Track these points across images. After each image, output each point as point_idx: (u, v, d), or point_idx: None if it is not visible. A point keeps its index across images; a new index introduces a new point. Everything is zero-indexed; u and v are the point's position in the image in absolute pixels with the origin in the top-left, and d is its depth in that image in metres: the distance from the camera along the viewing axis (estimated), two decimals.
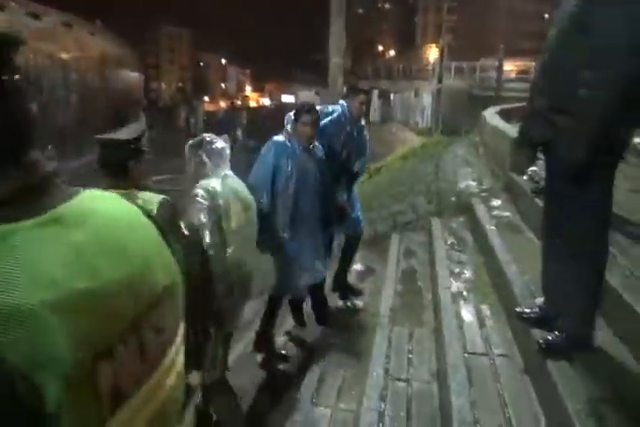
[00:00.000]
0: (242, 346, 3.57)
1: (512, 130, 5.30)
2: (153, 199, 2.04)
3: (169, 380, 0.58)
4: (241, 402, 2.83)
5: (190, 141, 2.48)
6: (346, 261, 3.79)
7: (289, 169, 2.92)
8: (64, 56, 20.19)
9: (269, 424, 2.67)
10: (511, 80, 19.61)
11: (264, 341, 3.22)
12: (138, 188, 2.09)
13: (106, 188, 2.07)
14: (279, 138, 3.00)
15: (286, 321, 3.59)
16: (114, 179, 2.09)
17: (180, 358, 0.60)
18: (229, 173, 2.51)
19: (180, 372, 0.60)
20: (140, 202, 2.09)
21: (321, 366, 2.97)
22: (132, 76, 28.80)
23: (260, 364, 3.18)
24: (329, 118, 3.38)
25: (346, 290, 3.77)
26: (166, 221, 1.97)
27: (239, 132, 23.60)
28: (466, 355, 2.43)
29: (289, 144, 2.95)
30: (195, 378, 1.74)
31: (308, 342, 3.35)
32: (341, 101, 3.55)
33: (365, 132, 3.69)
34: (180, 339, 0.60)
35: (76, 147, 18.62)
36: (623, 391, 1.82)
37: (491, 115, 7.34)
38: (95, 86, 22.68)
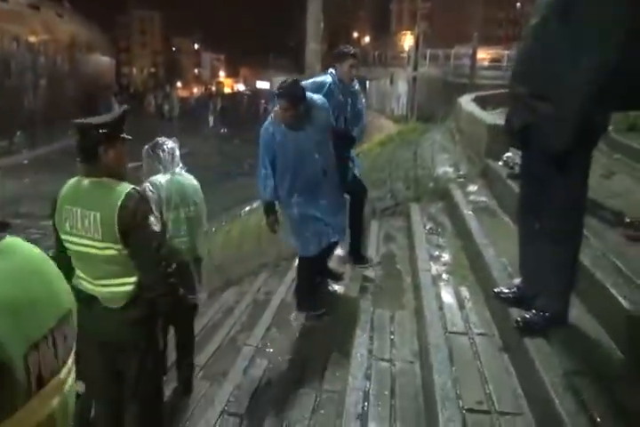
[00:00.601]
0: (223, 333, 3.60)
1: (488, 117, 5.39)
2: (121, 189, 2.03)
3: (69, 380, 0.71)
4: (227, 386, 2.86)
5: (146, 145, 2.93)
6: (355, 220, 3.74)
7: (279, 149, 3.08)
8: (32, 39, 19.52)
9: (255, 406, 2.71)
10: (484, 68, 19.82)
11: (306, 300, 3.36)
12: (111, 175, 2.08)
13: (82, 174, 2.05)
14: (267, 121, 3.16)
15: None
16: (87, 165, 2.07)
17: (73, 369, 0.72)
18: (179, 170, 2.94)
19: (73, 380, 0.72)
20: (106, 191, 2.09)
21: (305, 349, 3.02)
22: (103, 61, 28.08)
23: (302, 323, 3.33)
24: (317, 96, 3.22)
25: (359, 255, 3.84)
26: (130, 212, 1.98)
27: (211, 119, 23.30)
28: (447, 334, 2.50)
29: (274, 127, 3.08)
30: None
31: (291, 325, 3.39)
32: (330, 70, 3.51)
33: (361, 97, 3.64)
34: (72, 357, 0.73)
35: (46, 132, 18.15)
36: (597, 365, 1.91)
37: (466, 102, 7.42)
38: (65, 71, 22.05)
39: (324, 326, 3.27)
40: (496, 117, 5.06)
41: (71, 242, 2.08)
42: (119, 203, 1.98)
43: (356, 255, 3.86)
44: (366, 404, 2.28)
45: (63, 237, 2.10)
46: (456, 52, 22.06)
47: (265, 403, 2.66)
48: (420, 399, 2.31)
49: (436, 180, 5.00)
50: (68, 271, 2.16)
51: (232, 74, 70.66)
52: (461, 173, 4.97)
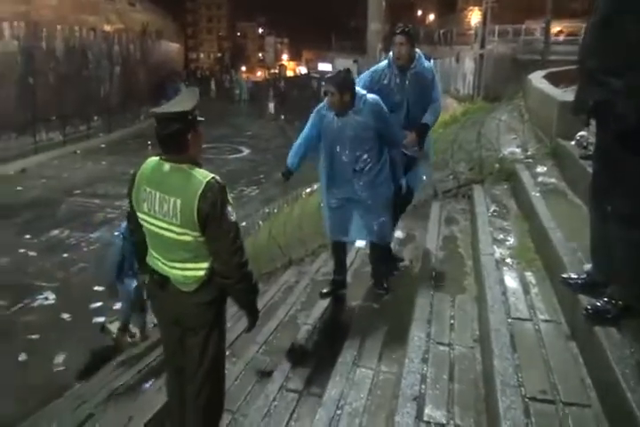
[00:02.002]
0: (283, 312, 3.67)
1: (560, 94, 5.08)
2: (202, 178, 2.06)
3: None
4: (286, 363, 2.93)
5: None
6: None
7: (323, 133, 3.16)
8: (107, 29, 20.43)
9: (313, 384, 2.76)
10: (559, 43, 18.63)
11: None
12: (191, 161, 2.09)
13: (163, 158, 2.09)
14: (320, 105, 3.20)
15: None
16: (171, 151, 2.08)
17: None
18: None
19: None
20: (188, 178, 2.10)
21: (362, 329, 3.02)
22: (172, 47, 28.91)
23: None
24: (372, 95, 3.13)
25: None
26: (210, 201, 2.00)
27: (270, 105, 23.46)
28: (510, 320, 2.41)
29: (325, 110, 3.15)
30: None
31: (350, 304, 3.40)
32: (390, 53, 3.35)
33: (427, 75, 3.30)
34: None
35: (121, 117, 19.09)
36: None
37: (537, 79, 7.02)
38: (137, 58, 22.97)
39: (383, 308, 3.26)
40: (569, 95, 4.75)
41: (148, 222, 2.13)
42: (200, 192, 2.00)
43: None
44: (423, 387, 2.25)
45: (140, 216, 2.16)
46: (527, 28, 20.87)
47: (322, 381, 2.70)
48: (480, 385, 2.25)
49: (501, 161, 4.80)
50: (143, 248, 2.27)
51: (295, 57, 70.75)
52: (529, 153, 4.74)
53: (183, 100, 2.14)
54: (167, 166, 2.08)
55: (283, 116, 20.28)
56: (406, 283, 3.45)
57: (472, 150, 5.58)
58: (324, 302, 3.48)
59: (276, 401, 2.66)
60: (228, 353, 2.96)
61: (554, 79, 7.08)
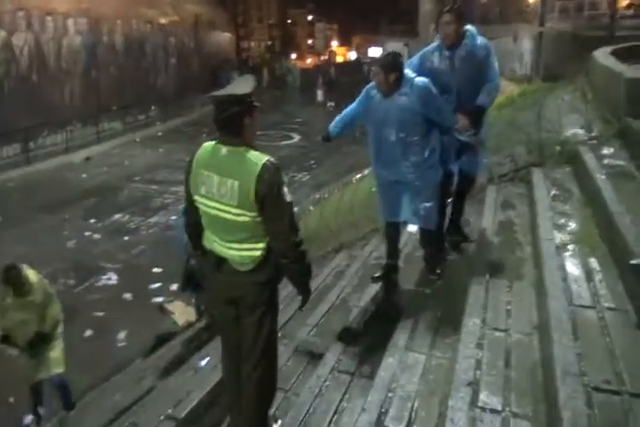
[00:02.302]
0: (334, 295, 3.69)
1: (629, 71, 4.75)
2: (258, 160, 2.10)
3: None
4: (337, 344, 2.95)
5: None
6: (455, 203, 3.63)
7: (369, 113, 3.15)
8: (163, 21, 20.95)
9: (364, 366, 2.77)
10: (628, 17, 17.41)
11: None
12: (246, 144, 2.13)
13: (220, 142, 2.14)
14: (370, 84, 3.17)
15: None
16: (228, 134, 2.12)
17: None
18: None
19: None
20: (245, 161, 2.14)
21: (414, 313, 2.99)
22: (224, 37, 29.24)
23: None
24: (421, 78, 3.04)
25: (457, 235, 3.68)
26: (266, 183, 2.04)
27: (319, 93, 23.34)
28: (571, 307, 2.32)
29: (372, 92, 3.13)
30: None
31: (403, 288, 3.37)
32: (437, 33, 3.25)
33: (478, 54, 3.11)
34: None
35: (176, 106, 19.66)
36: None
37: (603, 55, 6.60)
38: (191, 49, 23.48)
39: (435, 293, 3.21)
40: (639, 71, 4.45)
41: (205, 205, 2.19)
42: (257, 174, 2.05)
43: (456, 233, 3.69)
44: (478, 372, 2.21)
45: (197, 199, 2.21)
46: (591, 1, 19.62)
47: (374, 363, 2.70)
48: (539, 373, 2.18)
49: (562, 143, 4.56)
50: (198, 231, 2.33)
51: (345, 43, 69.96)
52: (594, 134, 4.48)
53: (240, 85, 2.18)
54: (224, 150, 2.12)
55: (332, 103, 20.18)
56: (460, 268, 3.37)
57: (531, 132, 5.34)
58: (376, 286, 3.46)
59: (328, 382, 2.69)
60: (279, 335, 3.02)
61: (622, 56, 6.64)
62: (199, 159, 2.19)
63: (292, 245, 2.14)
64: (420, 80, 3.01)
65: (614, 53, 6.96)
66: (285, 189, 2.11)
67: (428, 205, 3.16)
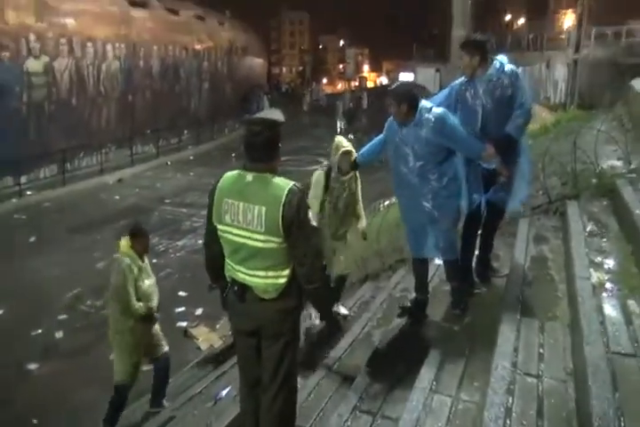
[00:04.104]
0: (358, 328, 3.59)
1: None
2: (284, 186, 2.10)
3: None
4: (360, 381, 2.85)
5: None
6: (483, 237, 3.48)
7: (388, 142, 3.19)
8: (197, 47, 21.66)
9: (387, 407, 2.65)
10: None
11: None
12: (271, 170, 2.15)
13: (245, 169, 2.16)
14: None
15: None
16: (258, 161, 2.13)
17: None
18: None
19: None
20: (270, 187, 2.17)
21: (441, 352, 2.87)
22: (256, 62, 30.01)
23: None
24: (439, 108, 3.02)
25: (485, 270, 3.54)
26: (293, 208, 2.05)
27: (339, 120, 23.37)
28: (609, 355, 2.17)
29: (392, 121, 3.15)
30: None
31: (428, 324, 3.26)
32: None
33: (505, 81, 3.01)
34: None
35: (208, 131, 20.13)
36: None
37: None
38: (224, 74, 24.13)
39: (463, 330, 3.08)
40: None
41: (230, 233, 2.18)
42: (283, 199, 2.06)
43: (484, 268, 3.55)
44: (508, 422, 2.08)
45: (221, 227, 2.20)
46: (629, 29, 19.33)
47: (397, 404, 2.60)
48: (574, 425, 2.04)
49: (599, 175, 4.42)
50: (219, 259, 2.31)
51: (375, 68, 70.83)
52: (633, 166, 4.33)
53: (273, 113, 2.22)
54: (250, 176, 2.14)
55: (352, 136, 20.25)
56: (490, 305, 3.23)
57: (565, 163, 5.19)
58: (401, 321, 3.36)
59: (349, 422, 2.59)
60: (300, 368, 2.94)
61: None
62: (222, 189, 2.20)
63: (319, 269, 2.16)
64: (435, 112, 2.99)
65: None
66: (311, 214, 2.14)
67: (447, 234, 3.11)
